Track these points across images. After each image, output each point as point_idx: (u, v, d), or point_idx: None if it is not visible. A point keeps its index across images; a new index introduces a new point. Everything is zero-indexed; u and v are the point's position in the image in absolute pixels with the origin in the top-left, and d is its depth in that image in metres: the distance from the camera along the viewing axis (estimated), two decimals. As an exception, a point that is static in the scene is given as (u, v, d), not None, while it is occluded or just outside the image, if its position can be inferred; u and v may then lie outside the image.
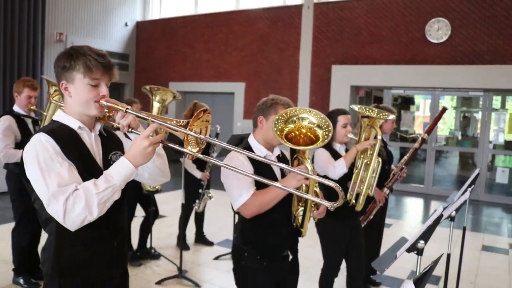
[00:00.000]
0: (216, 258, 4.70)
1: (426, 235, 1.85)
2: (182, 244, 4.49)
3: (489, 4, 8.37)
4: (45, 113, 3.52)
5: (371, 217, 3.68)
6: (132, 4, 13.26)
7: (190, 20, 12.43)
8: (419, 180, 9.64)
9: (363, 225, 3.48)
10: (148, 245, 4.62)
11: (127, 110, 1.58)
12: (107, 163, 1.68)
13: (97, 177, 1.53)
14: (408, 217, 7.43)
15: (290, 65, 10.73)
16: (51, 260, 1.62)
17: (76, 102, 1.62)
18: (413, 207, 8.41)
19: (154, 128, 1.55)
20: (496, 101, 10.49)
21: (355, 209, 3.09)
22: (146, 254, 4.55)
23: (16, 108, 3.63)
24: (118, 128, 1.65)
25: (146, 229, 4.55)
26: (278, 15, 10.89)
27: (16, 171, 3.56)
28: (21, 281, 3.80)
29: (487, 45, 8.43)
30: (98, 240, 1.67)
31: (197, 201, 4.81)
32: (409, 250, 1.85)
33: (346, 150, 3.22)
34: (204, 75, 12.02)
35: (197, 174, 4.68)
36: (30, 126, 3.68)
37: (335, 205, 1.56)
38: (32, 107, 3.61)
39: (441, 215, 1.98)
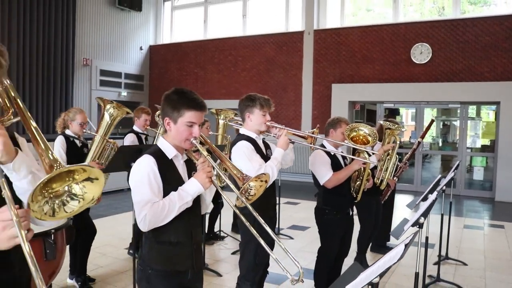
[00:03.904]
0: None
1: (433, 188, 3.38)
2: (235, 228, 6.05)
3: (462, 32, 10.12)
4: (157, 131, 4.97)
5: (386, 197, 5.22)
6: (146, 29, 14.69)
7: (200, 44, 13.88)
8: (409, 181, 11.26)
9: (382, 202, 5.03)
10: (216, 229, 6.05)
11: (284, 127, 3.08)
12: (267, 154, 3.15)
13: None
14: (404, 208, 8.98)
15: (294, 84, 12.28)
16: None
17: (254, 124, 3.10)
18: (405, 201, 9.99)
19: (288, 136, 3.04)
20: (472, 109, 12.15)
21: (380, 188, 4.62)
22: (215, 235, 5.97)
23: (135, 128, 5.07)
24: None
25: (215, 216, 5.98)
26: (282, 40, 12.46)
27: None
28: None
29: (461, 65, 10.16)
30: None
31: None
32: (423, 199, 3.37)
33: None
34: (215, 93, 13.44)
35: None
36: (143, 140, 5.12)
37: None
38: (147, 127, 5.05)
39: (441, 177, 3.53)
